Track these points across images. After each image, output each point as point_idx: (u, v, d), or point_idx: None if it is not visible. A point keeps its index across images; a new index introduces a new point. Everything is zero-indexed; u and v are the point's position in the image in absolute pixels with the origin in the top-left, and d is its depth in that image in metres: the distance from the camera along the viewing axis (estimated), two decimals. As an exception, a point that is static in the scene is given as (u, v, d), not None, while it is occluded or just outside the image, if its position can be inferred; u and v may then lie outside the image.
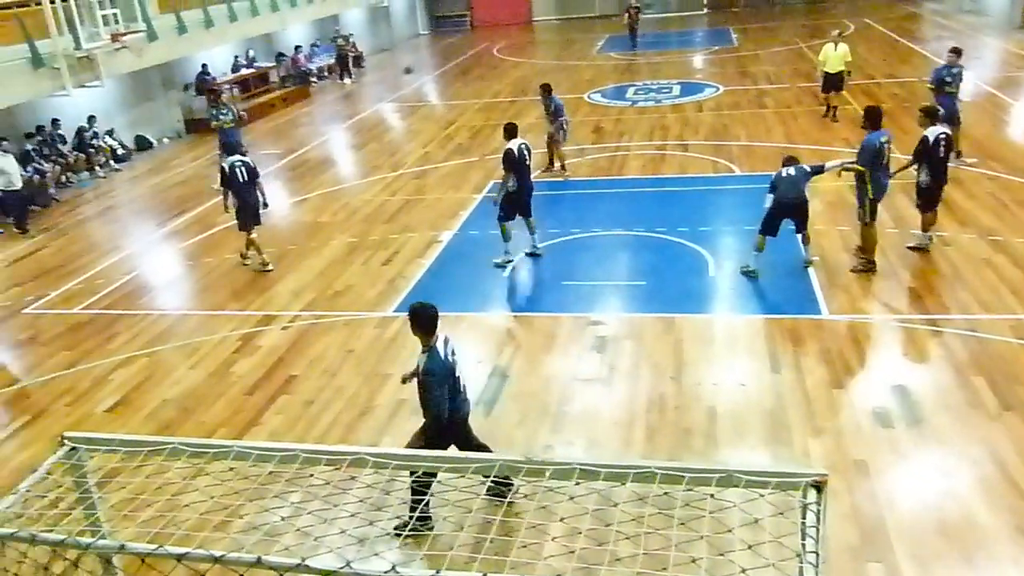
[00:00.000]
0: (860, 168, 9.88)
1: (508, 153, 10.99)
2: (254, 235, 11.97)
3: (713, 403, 7.77)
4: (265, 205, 12.21)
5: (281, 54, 28.01)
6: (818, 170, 10.23)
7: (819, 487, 2.91)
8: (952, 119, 12.59)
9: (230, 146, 13.69)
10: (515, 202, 11.19)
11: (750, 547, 3.02)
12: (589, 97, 22.42)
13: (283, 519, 4.03)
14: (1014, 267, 9.89)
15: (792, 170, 10.15)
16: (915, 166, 10.33)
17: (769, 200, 10.14)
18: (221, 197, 12.39)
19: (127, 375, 9.37)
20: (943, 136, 10.07)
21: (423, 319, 5.99)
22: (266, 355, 9.54)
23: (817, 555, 2.65)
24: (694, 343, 8.94)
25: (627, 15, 31.23)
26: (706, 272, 10.68)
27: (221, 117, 16.02)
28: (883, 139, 9.83)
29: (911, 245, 10.66)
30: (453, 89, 26.34)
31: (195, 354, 9.72)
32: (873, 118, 10.00)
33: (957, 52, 13.56)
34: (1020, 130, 16.48)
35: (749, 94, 21.13)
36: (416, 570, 2.87)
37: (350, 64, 29.38)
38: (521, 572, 2.78)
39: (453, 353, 6.10)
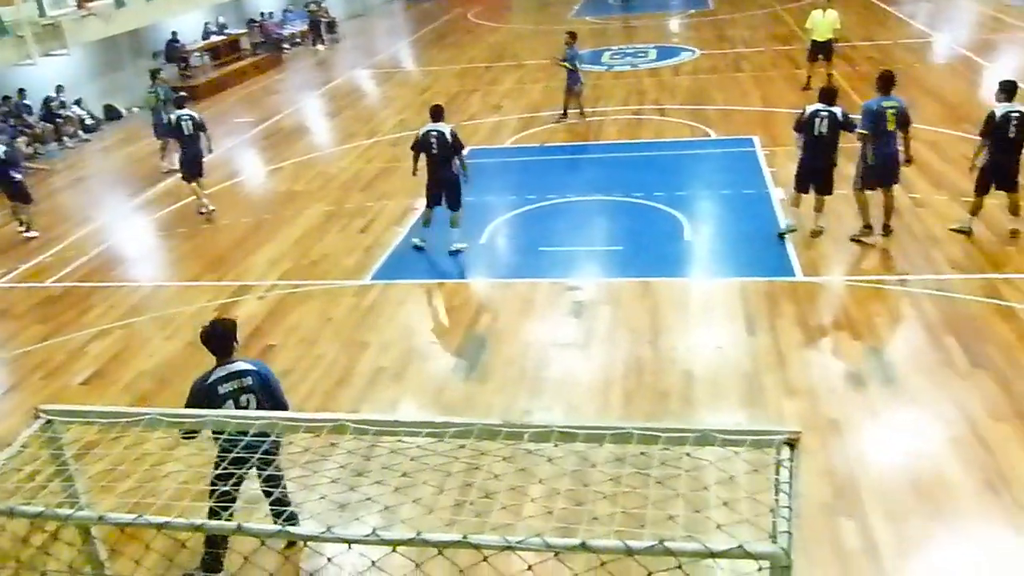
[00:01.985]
0: (863, 132, 9.56)
1: (415, 138, 10.66)
2: (194, 184, 12.92)
3: (690, 366, 7.84)
4: (210, 151, 13.27)
5: (252, 20, 27.56)
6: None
7: (792, 444, 2.96)
8: None
9: (160, 128, 14.97)
10: (429, 189, 10.70)
11: (725, 504, 3.08)
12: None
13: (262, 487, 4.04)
14: (984, 228, 10.00)
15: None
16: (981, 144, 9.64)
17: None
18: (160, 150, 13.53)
19: (102, 347, 9.30)
20: (1016, 114, 9.28)
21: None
22: (243, 325, 9.42)
23: (790, 510, 2.70)
24: (671, 307, 9.00)
25: None
26: (682, 236, 10.73)
27: (149, 94, 16.08)
28: (885, 104, 9.50)
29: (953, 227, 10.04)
30: (428, 55, 26.06)
31: (170, 325, 9.65)
32: (882, 82, 9.66)
33: None
34: (993, 92, 16.54)
35: (726, 58, 21.08)
36: (397, 533, 2.90)
37: (323, 30, 28.93)
38: (501, 533, 2.82)
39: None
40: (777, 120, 14.94)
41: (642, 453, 3.17)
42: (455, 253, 10.69)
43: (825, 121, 9.75)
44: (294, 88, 22.99)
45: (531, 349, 8.45)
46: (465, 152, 10.70)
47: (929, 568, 5.44)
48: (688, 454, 3.09)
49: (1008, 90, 9.44)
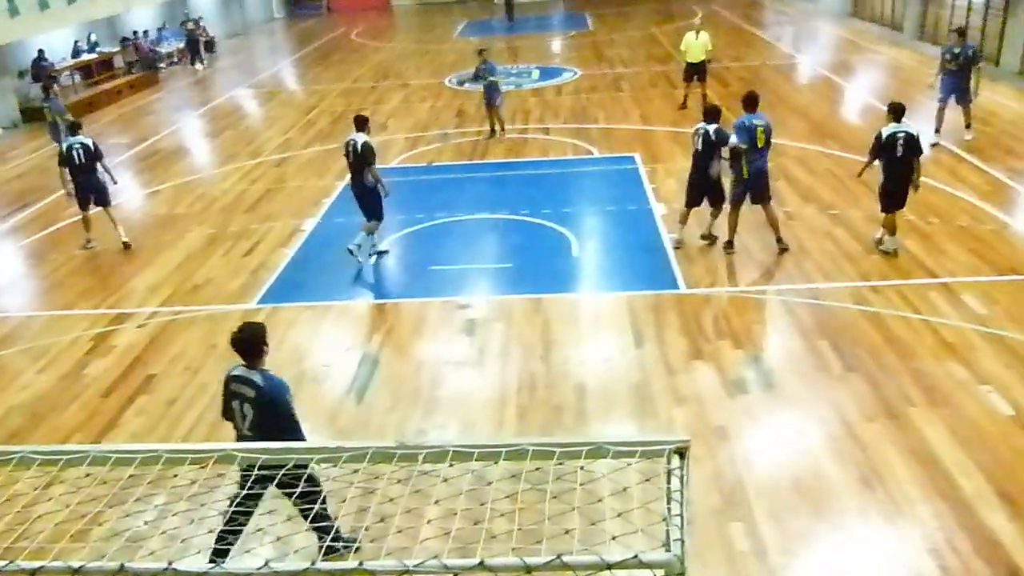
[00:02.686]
0: (738, 146, 9.96)
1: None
2: (90, 213, 12.05)
3: (581, 380, 7.97)
4: (114, 182, 12.50)
5: (126, 38, 26.56)
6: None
7: (682, 453, 3.04)
8: (960, 96, 13.51)
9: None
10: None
11: (620, 515, 3.14)
12: (450, 81, 22.39)
13: (147, 523, 3.88)
14: (851, 239, 10.60)
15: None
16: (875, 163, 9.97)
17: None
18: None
19: (-34, 384, 8.71)
20: (903, 135, 9.60)
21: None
22: (122, 355, 9.08)
23: (682, 517, 2.78)
24: (561, 322, 9.14)
25: None
26: (570, 252, 10.92)
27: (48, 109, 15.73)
28: (755, 121, 9.97)
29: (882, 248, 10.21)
30: (312, 74, 25.71)
31: (43, 357, 9.13)
32: (749, 101, 10.13)
33: (960, 33, 13.99)
34: (852, 110, 17.63)
35: (606, 78, 21.65)
36: (291, 564, 2.83)
37: (201, 49, 28.13)
38: (398, 557, 2.79)
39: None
40: (656, 138, 15.45)
41: (537, 468, 3.20)
42: (350, 251, 10.56)
43: (700, 138, 10.25)
44: (172, 108, 22.25)
45: (424, 368, 8.41)
46: (377, 166, 10.70)
47: (812, 562, 5.69)
48: (582, 467, 3.14)
49: (896, 111, 9.81)
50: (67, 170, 11.75)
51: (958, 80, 13.58)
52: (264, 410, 5.31)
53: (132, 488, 3.80)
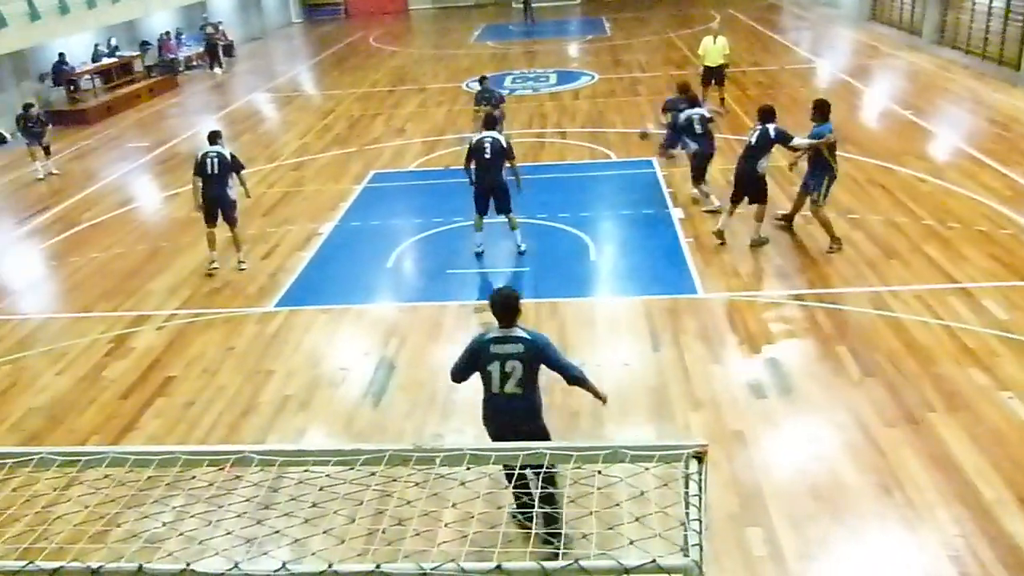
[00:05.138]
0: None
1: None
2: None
3: (598, 383, 7.92)
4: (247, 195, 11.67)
5: (145, 42, 26.77)
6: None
7: (700, 457, 3.03)
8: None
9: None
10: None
11: (637, 519, 3.12)
12: (467, 86, 22.42)
13: (164, 524, 3.89)
14: (870, 243, 10.52)
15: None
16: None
17: None
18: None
19: (-13, 385, 8.80)
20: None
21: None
22: (140, 357, 9.14)
23: (700, 522, 2.76)
24: (578, 326, 9.12)
25: None
26: (587, 256, 10.90)
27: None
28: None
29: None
30: (330, 78, 25.83)
31: (63, 359, 9.21)
32: (821, 110, 10.56)
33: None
34: (871, 114, 17.51)
35: (623, 82, 21.61)
36: (308, 566, 2.83)
37: (220, 53, 28.32)
38: (415, 560, 2.78)
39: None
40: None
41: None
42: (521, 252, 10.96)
43: (756, 134, 10.50)
44: (191, 112, 22.41)
45: (441, 372, 8.37)
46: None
47: (830, 569, 5.64)
48: (599, 471, 3.13)
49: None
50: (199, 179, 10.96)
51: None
52: (537, 360, 5.62)
53: (150, 490, 3.83)
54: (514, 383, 5.62)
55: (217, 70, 27.73)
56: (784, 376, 7.85)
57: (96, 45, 24.13)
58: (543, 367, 5.69)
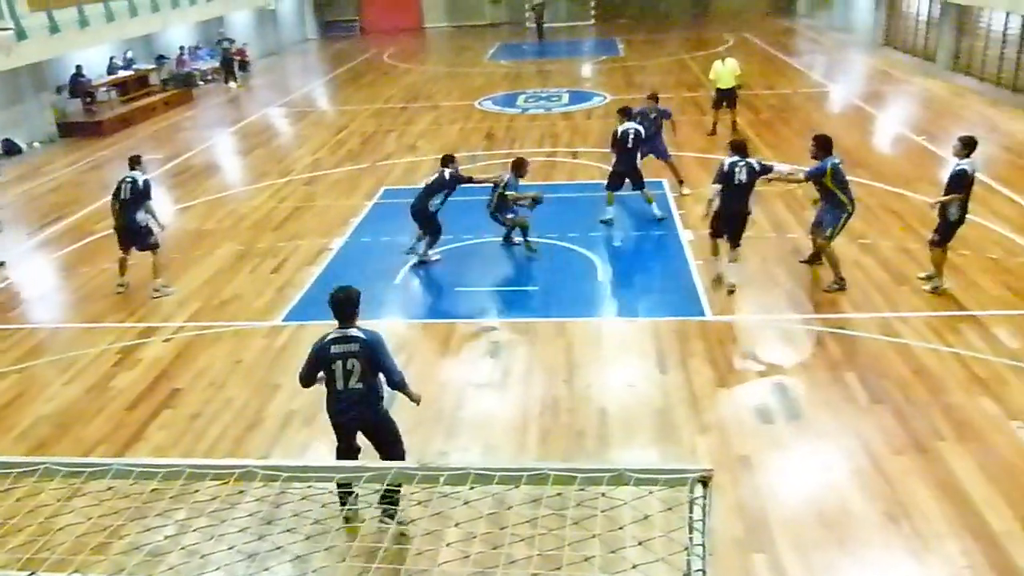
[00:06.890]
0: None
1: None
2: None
3: (604, 404, 7.92)
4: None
5: (161, 56, 27.02)
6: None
7: (705, 482, 3.01)
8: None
9: None
10: None
11: (641, 543, 3.10)
12: (480, 104, 22.53)
13: (167, 538, 3.89)
14: (880, 268, 10.48)
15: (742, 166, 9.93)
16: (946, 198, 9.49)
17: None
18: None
19: (-5, 393, 8.83)
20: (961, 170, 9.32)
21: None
22: (148, 368, 9.17)
23: (704, 547, 2.74)
24: (585, 346, 9.10)
25: (532, 11, 35.44)
26: (595, 277, 10.89)
27: None
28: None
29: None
30: (344, 94, 26.00)
31: (71, 369, 9.25)
32: (822, 145, 9.96)
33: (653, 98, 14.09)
34: (885, 140, 17.50)
35: (635, 103, 21.63)
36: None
37: (235, 68, 28.54)
38: (416, 579, 2.77)
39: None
40: (685, 164, 15.39)
41: (558, 494, 3.17)
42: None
43: (744, 170, 9.90)
44: (205, 125, 22.57)
45: (448, 390, 8.40)
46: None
47: (836, 600, 5.58)
48: (604, 494, 3.11)
49: (969, 145, 9.46)
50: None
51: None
52: (370, 358, 6.02)
53: (153, 502, 3.82)
54: (356, 378, 6.03)
55: (232, 84, 27.94)
56: (792, 401, 7.81)
57: (111, 58, 24.37)
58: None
